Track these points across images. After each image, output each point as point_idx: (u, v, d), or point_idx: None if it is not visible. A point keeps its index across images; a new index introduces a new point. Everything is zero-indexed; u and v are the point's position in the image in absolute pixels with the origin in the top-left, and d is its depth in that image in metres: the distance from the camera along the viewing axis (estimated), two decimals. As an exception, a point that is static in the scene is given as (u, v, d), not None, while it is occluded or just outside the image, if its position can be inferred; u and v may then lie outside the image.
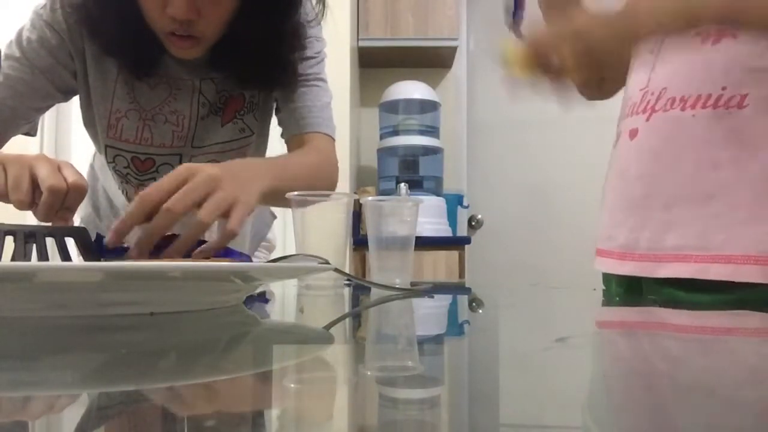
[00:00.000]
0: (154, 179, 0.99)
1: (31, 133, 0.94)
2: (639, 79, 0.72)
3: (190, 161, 0.98)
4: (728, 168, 0.61)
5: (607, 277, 0.79)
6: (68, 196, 0.67)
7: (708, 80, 0.63)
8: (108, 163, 0.98)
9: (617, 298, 0.75)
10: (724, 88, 0.62)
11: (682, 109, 0.64)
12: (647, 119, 0.68)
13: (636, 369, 0.32)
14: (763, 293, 0.59)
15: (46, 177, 0.66)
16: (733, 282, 0.60)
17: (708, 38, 0.64)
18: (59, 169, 0.68)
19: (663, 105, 0.66)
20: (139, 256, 0.62)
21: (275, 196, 0.79)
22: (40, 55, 0.89)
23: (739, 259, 0.60)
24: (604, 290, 0.81)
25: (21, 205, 0.68)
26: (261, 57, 0.91)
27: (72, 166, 0.70)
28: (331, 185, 0.95)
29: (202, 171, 0.66)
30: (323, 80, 1.00)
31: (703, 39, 0.64)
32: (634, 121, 0.71)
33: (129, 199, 1.02)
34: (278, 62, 0.93)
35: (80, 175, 0.69)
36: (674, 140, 0.65)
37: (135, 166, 0.97)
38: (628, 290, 0.74)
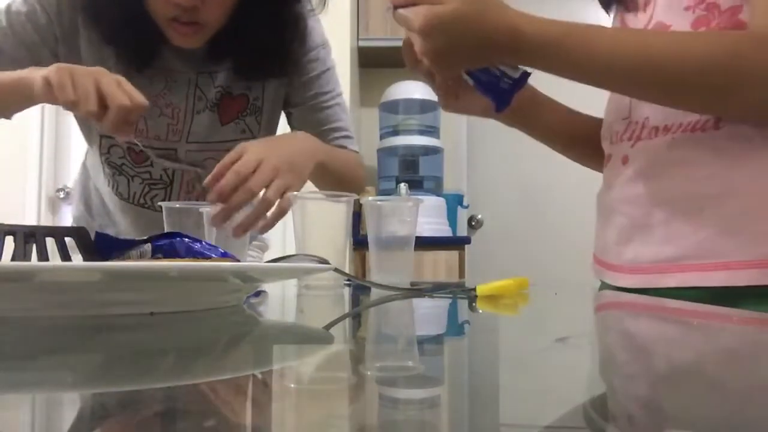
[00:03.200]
0: (149, 173, 0.99)
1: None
2: (620, 108, 0.76)
3: (185, 155, 0.99)
4: (714, 183, 0.66)
5: (605, 285, 0.82)
6: (132, 112, 0.74)
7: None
8: (102, 154, 0.99)
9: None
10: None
11: (665, 135, 0.69)
12: (632, 146, 0.73)
13: (636, 366, 0.32)
14: (755, 292, 0.63)
15: (113, 94, 0.72)
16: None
17: None
18: (119, 84, 0.74)
19: (648, 134, 0.71)
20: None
21: (322, 173, 0.91)
22: (26, 29, 0.90)
23: (735, 264, 0.64)
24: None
25: (90, 116, 0.74)
26: (260, 47, 0.92)
27: (128, 83, 0.75)
28: (359, 189, 1.03)
29: (268, 160, 0.79)
30: (340, 94, 1.05)
31: None
32: (622, 148, 0.75)
33: (119, 195, 1.02)
34: (277, 53, 0.94)
35: (139, 92, 0.75)
36: (663, 163, 0.70)
37: (131, 158, 0.98)
38: None
